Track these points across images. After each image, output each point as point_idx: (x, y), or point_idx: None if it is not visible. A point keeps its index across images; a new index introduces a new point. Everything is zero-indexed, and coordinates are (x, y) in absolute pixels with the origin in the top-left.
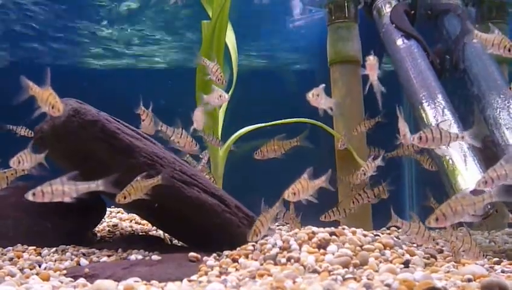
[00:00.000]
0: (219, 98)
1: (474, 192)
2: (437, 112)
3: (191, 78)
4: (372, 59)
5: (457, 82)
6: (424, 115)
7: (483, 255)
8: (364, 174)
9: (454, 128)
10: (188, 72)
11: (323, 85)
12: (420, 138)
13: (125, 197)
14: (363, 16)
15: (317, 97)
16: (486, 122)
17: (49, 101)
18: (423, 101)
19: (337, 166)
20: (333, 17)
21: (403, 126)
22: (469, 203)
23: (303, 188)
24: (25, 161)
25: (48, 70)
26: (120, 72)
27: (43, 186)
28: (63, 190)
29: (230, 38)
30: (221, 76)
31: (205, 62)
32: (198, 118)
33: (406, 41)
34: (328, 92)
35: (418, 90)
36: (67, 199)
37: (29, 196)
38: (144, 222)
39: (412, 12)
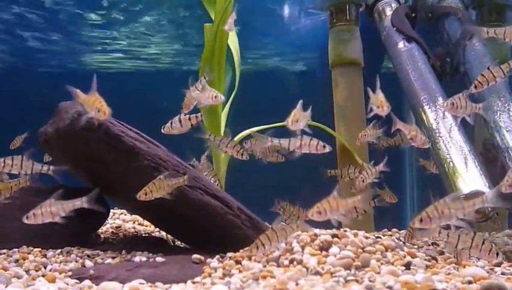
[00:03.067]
0: (214, 98)
1: (467, 196)
2: (437, 114)
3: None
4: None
5: (458, 85)
6: (424, 117)
7: (496, 253)
8: (363, 181)
9: (455, 131)
10: (191, 75)
11: (301, 102)
12: (452, 104)
13: (146, 194)
14: (364, 19)
15: (296, 123)
16: (486, 125)
17: (95, 105)
18: (424, 104)
19: (338, 167)
20: (334, 20)
21: (407, 130)
22: (458, 207)
23: (331, 207)
24: (8, 165)
25: (94, 76)
26: (123, 75)
27: (35, 210)
28: (51, 210)
29: (232, 40)
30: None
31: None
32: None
33: (406, 44)
34: (329, 95)
35: (418, 93)
36: (57, 219)
37: (24, 220)
38: (147, 223)
39: (413, 15)
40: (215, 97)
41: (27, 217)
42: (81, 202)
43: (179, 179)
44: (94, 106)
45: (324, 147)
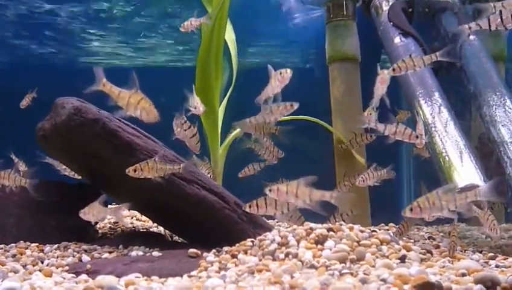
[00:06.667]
0: (194, 108)
1: (463, 189)
2: (433, 109)
3: (191, 77)
4: (385, 73)
5: (454, 80)
6: (420, 112)
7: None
8: (364, 181)
9: (451, 126)
10: (187, 71)
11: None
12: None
13: (135, 171)
14: (361, 14)
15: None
16: (482, 120)
17: (141, 105)
18: (420, 98)
19: (336, 163)
20: (332, 15)
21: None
22: (449, 200)
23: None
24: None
25: (133, 73)
26: (119, 71)
27: (87, 208)
28: (94, 212)
29: (229, 36)
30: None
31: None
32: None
33: (403, 39)
34: (326, 91)
35: (415, 87)
36: (94, 220)
37: (80, 214)
38: (145, 218)
39: (410, 10)
40: (195, 108)
41: (83, 213)
42: (111, 211)
43: (173, 165)
44: (139, 105)
45: (417, 137)
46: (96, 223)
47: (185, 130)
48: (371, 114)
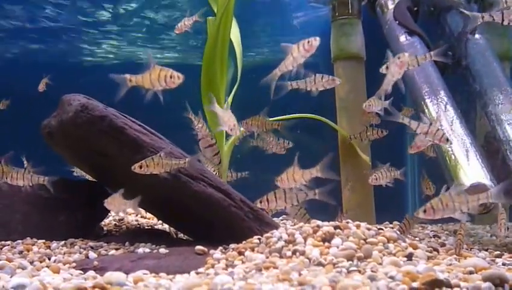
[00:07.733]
0: (230, 129)
1: (469, 189)
2: (439, 107)
3: (196, 75)
4: (406, 56)
5: (460, 78)
6: (426, 110)
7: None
8: (376, 179)
9: (457, 124)
10: (193, 69)
11: None
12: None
13: (141, 167)
14: (367, 12)
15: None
16: (488, 118)
17: (163, 75)
18: (426, 97)
19: (341, 161)
20: (337, 14)
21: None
22: (462, 201)
23: (294, 177)
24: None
25: (149, 52)
26: (124, 68)
27: (110, 198)
28: (116, 204)
29: (235, 34)
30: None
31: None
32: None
33: (408, 37)
34: (331, 89)
35: (420, 86)
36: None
37: (104, 204)
38: (150, 215)
39: (415, 8)
40: (231, 130)
41: (107, 203)
42: (129, 204)
43: (179, 160)
44: (160, 77)
45: (447, 140)
46: (101, 219)
47: (206, 146)
48: (375, 103)
